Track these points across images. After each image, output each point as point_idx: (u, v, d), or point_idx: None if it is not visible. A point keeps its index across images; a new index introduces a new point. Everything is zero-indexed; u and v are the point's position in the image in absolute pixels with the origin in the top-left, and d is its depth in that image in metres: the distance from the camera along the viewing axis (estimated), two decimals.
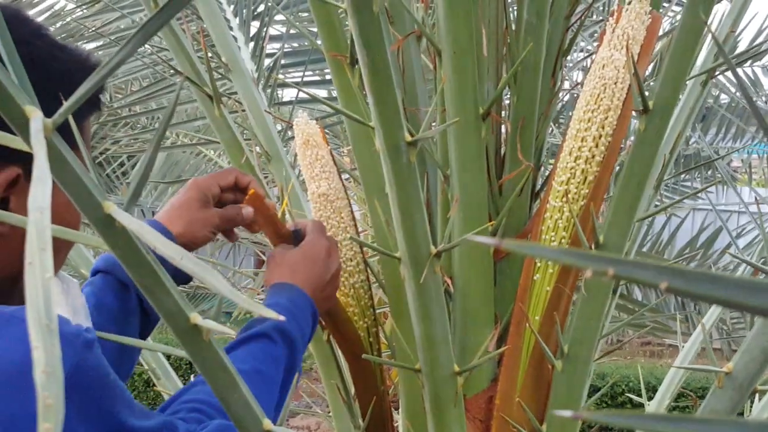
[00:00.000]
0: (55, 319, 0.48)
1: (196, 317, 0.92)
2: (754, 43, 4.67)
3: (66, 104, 0.78)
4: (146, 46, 3.72)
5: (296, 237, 1.46)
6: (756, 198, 2.54)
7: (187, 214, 1.43)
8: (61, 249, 1.15)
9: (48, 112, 0.69)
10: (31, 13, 4.81)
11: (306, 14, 2.92)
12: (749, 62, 5.46)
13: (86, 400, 1.00)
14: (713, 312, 2.36)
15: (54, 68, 1.06)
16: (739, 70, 5.30)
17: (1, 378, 0.96)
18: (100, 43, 3.95)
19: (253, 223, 1.48)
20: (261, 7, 2.70)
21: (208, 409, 1.17)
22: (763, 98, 6.13)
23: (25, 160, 1.04)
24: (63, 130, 0.75)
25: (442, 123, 1.41)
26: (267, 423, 1.05)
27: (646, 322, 3.50)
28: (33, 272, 0.51)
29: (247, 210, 1.46)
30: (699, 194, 4.33)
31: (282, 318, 1.07)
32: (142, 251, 0.85)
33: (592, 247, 1.42)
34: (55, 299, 0.48)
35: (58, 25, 5.04)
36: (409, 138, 1.22)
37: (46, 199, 0.57)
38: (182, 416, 1.15)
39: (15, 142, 0.73)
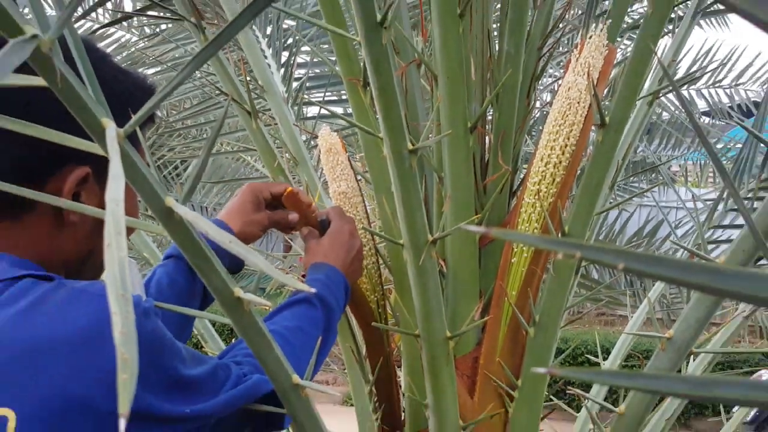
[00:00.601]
0: (130, 290, 0.48)
1: (238, 291, 0.92)
2: (690, 71, 4.69)
3: (135, 117, 0.78)
4: (197, 71, 3.72)
5: (323, 225, 1.47)
6: (692, 196, 2.55)
7: (244, 215, 1.44)
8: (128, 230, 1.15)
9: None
10: (101, 44, 4.80)
11: (326, 45, 2.92)
12: (686, 86, 5.45)
13: (148, 359, 1.00)
14: (656, 288, 2.37)
15: (117, 88, 1.05)
16: (670, 97, 5.30)
17: (75, 339, 0.96)
18: (159, 69, 3.95)
19: (294, 227, 1.50)
20: (290, 40, 2.70)
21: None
22: (698, 115, 6.12)
23: (93, 161, 1.04)
24: (131, 138, 0.75)
25: (438, 135, 1.41)
26: (295, 378, 1.05)
27: (602, 297, 3.50)
28: (111, 252, 0.51)
29: (293, 216, 1.47)
30: (645, 193, 4.31)
31: (313, 290, 1.07)
32: (195, 237, 0.85)
33: (560, 235, 1.42)
34: (131, 274, 0.48)
35: (123, 54, 5.03)
36: (410, 147, 1.22)
37: (120, 193, 0.57)
38: (239, 359, 1.16)
39: (93, 147, 0.73)
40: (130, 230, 1.21)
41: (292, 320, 1.25)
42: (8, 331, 0.96)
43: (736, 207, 2.29)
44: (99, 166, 1.05)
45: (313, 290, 1.08)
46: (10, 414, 0.94)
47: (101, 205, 1.08)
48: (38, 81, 0.70)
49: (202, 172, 0.85)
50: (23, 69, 0.68)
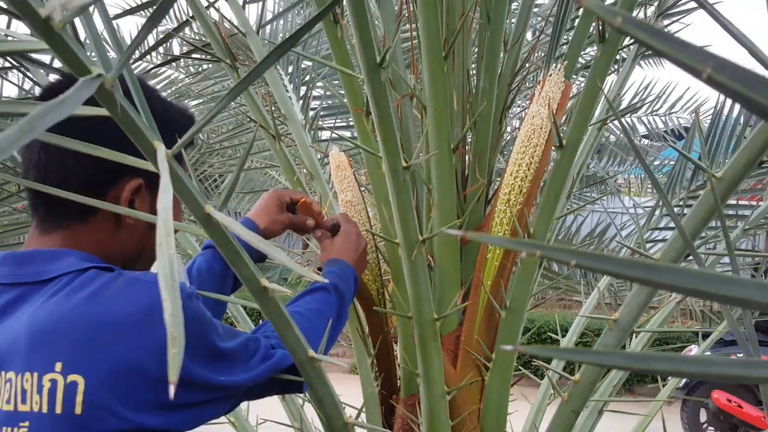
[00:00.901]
0: (178, 280, 0.48)
1: (264, 281, 0.93)
2: (632, 102, 4.71)
3: (180, 141, 0.78)
4: (231, 102, 3.73)
5: (334, 228, 1.47)
6: (634, 204, 2.55)
7: (268, 215, 1.46)
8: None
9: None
10: (153, 81, 4.80)
11: (336, 82, 2.92)
12: (629, 114, 5.46)
13: (192, 335, 1.00)
14: (605, 279, 2.36)
15: (165, 117, 1.06)
16: (617, 123, 5.30)
17: (132, 318, 0.96)
18: (200, 101, 3.96)
19: (308, 231, 1.50)
20: (307, 78, 2.70)
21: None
22: (638, 138, 6.13)
23: (145, 174, 1.05)
24: (177, 158, 0.75)
25: (426, 154, 1.41)
26: (311, 352, 1.05)
27: (561, 285, 3.51)
28: (162, 250, 0.51)
29: (310, 221, 1.48)
30: (595, 202, 4.32)
31: (325, 280, 1.06)
32: (229, 237, 0.85)
33: (526, 236, 1.42)
34: (178, 266, 0.48)
35: (172, 88, 5.03)
36: (404, 164, 1.22)
37: (169, 202, 0.57)
38: (268, 334, 1.16)
39: (146, 164, 0.73)
40: (175, 231, 1.21)
41: (312, 303, 1.27)
42: (77, 312, 0.96)
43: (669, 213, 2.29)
44: (150, 178, 1.06)
45: (325, 280, 1.08)
46: (79, 380, 0.94)
47: (152, 211, 1.09)
48: (103, 111, 0.70)
49: (236, 184, 0.85)
50: (90, 101, 0.69)
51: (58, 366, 0.94)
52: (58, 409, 0.94)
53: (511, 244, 0.39)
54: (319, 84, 2.92)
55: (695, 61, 0.28)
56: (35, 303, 0.99)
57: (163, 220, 0.55)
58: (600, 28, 1.37)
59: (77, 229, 1.06)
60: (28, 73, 1.84)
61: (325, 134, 3.06)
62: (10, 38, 0.82)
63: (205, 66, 3.76)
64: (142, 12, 1.93)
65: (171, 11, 4.90)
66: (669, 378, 2.48)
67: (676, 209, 2.19)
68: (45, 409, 0.94)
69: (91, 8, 0.79)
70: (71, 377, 0.94)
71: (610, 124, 5.43)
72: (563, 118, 1.46)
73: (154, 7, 0.66)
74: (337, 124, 3.08)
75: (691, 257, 1.66)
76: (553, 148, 1.42)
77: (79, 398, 0.93)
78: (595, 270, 0.37)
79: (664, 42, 0.28)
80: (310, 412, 1.64)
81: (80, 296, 0.97)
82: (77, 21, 0.75)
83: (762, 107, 0.29)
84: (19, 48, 0.74)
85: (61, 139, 0.66)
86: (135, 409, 0.96)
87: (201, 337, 1.02)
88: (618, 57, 2.28)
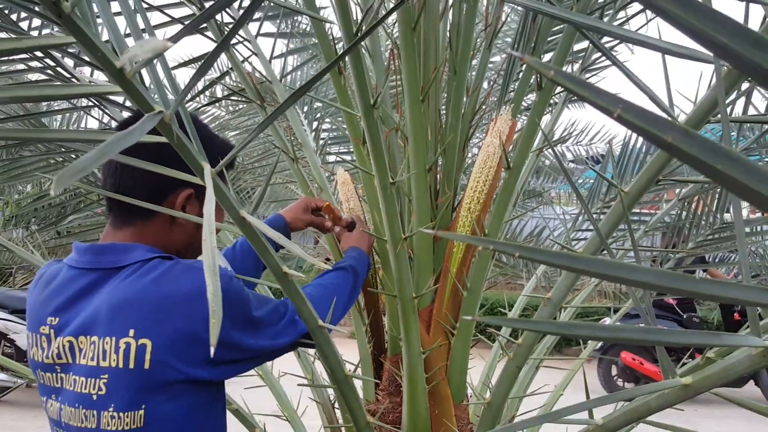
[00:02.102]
0: (218, 268, 0.48)
1: (285, 268, 0.92)
2: (562, 135, 4.75)
3: (221, 162, 0.78)
4: (260, 133, 3.74)
5: (350, 225, 1.46)
6: (563, 212, 2.56)
7: (294, 214, 1.45)
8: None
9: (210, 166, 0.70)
10: (201, 117, 4.80)
11: (341, 118, 2.93)
12: (559, 144, 5.49)
13: (231, 308, 1.00)
14: (541, 268, 2.36)
15: (210, 144, 1.06)
16: (550, 150, 5.31)
17: (189, 295, 0.96)
18: (237, 132, 3.95)
19: (327, 230, 1.49)
20: (318, 115, 2.70)
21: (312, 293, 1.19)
22: (567, 162, 6.15)
23: (195, 186, 1.05)
24: (219, 174, 0.75)
25: (408, 173, 1.41)
26: (320, 321, 1.05)
27: (508, 272, 3.51)
28: (206, 244, 0.51)
29: (328, 223, 1.47)
30: (534, 209, 4.33)
31: (327, 266, 1.05)
32: (258, 234, 0.85)
33: (482, 235, 1.42)
34: (218, 257, 0.48)
35: (216, 123, 5.03)
36: (391, 180, 1.22)
37: (212, 208, 0.57)
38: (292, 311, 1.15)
39: (195, 179, 0.73)
40: (217, 230, 1.21)
41: (335, 279, 1.25)
42: (146, 291, 0.97)
43: (589, 218, 2.29)
44: (198, 189, 1.06)
45: (327, 266, 1.08)
46: (148, 342, 0.94)
47: (200, 214, 1.08)
48: (163, 139, 0.70)
49: (263, 195, 0.85)
50: (155, 131, 0.68)
51: (131, 332, 0.95)
52: (131, 365, 0.95)
53: (470, 240, 0.39)
54: (328, 120, 2.92)
55: (608, 104, 0.28)
56: (113, 284, 0.99)
57: (207, 221, 0.55)
58: (538, 79, 1.37)
59: (142, 226, 1.06)
60: (106, 110, 1.83)
61: (331, 158, 3.05)
62: (93, 84, 0.82)
63: (240, 106, 3.75)
64: (193, 64, 1.92)
65: (215, 63, 4.90)
66: (588, 342, 2.49)
67: (594, 216, 2.20)
68: (121, 365, 0.95)
69: (154, 61, 0.79)
70: (142, 341, 0.94)
71: (546, 152, 5.45)
72: (510, 146, 1.46)
73: (202, 61, 0.66)
74: (341, 151, 3.08)
75: (605, 251, 1.66)
76: (503, 169, 1.42)
77: (148, 356, 0.94)
78: (533, 260, 0.37)
79: (585, 90, 0.28)
80: (319, 367, 1.64)
81: (148, 279, 0.98)
82: (144, 70, 0.75)
83: (658, 138, 0.29)
84: (99, 91, 0.73)
85: (131, 159, 0.65)
86: (189, 365, 0.97)
87: (240, 309, 1.02)
88: (552, 101, 2.29)
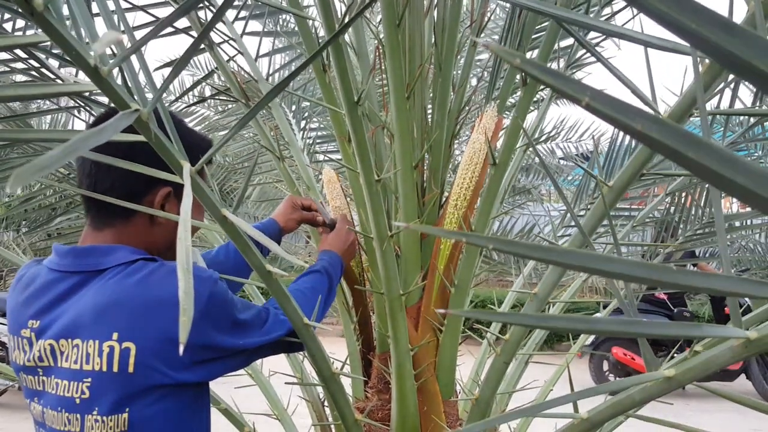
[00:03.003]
0: (192, 266, 0.47)
1: (269, 266, 0.92)
2: (550, 133, 4.77)
3: (201, 159, 0.77)
4: (249, 134, 3.73)
5: (331, 226, 1.46)
6: (547, 209, 2.56)
7: (285, 215, 1.45)
8: (193, 231, 1.16)
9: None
10: (190, 118, 4.77)
11: (329, 118, 2.93)
12: (549, 141, 5.51)
13: (216, 312, 0.99)
14: (529, 265, 2.36)
15: (188, 140, 1.04)
16: (539, 147, 5.33)
17: (173, 298, 0.95)
18: (225, 131, 3.94)
19: (319, 224, 1.50)
20: (306, 114, 2.69)
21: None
22: (557, 159, 6.17)
23: (173, 184, 1.03)
24: (199, 172, 0.74)
25: (395, 170, 1.40)
26: (305, 319, 1.04)
27: (497, 269, 3.51)
28: (181, 242, 0.50)
29: (320, 218, 1.48)
30: (524, 207, 4.34)
31: (303, 263, 1.05)
32: (240, 233, 0.84)
33: (469, 230, 1.42)
34: (191, 256, 0.47)
35: (205, 123, 5.00)
36: (376, 178, 1.21)
37: (188, 206, 0.56)
38: (276, 306, 1.14)
39: (174, 177, 0.72)
40: (196, 228, 1.20)
41: (308, 282, 1.25)
42: (130, 294, 0.95)
43: (579, 214, 2.29)
44: (177, 187, 1.04)
45: (304, 263, 1.08)
46: (132, 346, 0.93)
47: (179, 213, 1.07)
48: (140, 137, 0.69)
49: (244, 193, 0.85)
50: (132, 128, 0.67)
51: (115, 335, 0.94)
52: (115, 368, 0.93)
53: (450, 236, 0.39)
54: (316, 119, 2.91)
55: (576, 92, 0.28)
56: (95, 287, 0.98)
57: (183, 219, 0.54)
58: (523, 75, 1.37)
59: (122, 227, 1.05)
60: (92, 111, 1.81)
61: (320, 157, 3.05)
62: (69, 83, 0.80)
63: (229, 106, 3.73)
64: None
65: (201, 63, 4.87)
66: (578, 337, 2.49)
67: (582, 212, 2.20)
68: (105, 369, 0.94)
69: (136, 63, 0.78)
70: (125, 344, 0.93)
71: (534, 149, 5.45)
72: (496, 143, 1.46)
73: (180, 56, 0.65)
74: (329, 149, 3.07)
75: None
76: (489, 165, 1.42)
77: (132, 360, 0.93)
78: (506, 252, 0.37)
79: (552, 77, 0.27)
80: (309, 366, 1.63)
81: (132, 281, 0.96)
82: (138, 73, 0.74)
83: (627, 126, 0.29)
84: (75, 90, 0.72)
85: (103, 157, 0.64)
86: (174, 369, 0.96)
87: (226, 311, 1.01)
88: (538, 98, 2.29)
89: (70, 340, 0.97)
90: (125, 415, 0.94)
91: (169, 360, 0.95)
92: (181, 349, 0.37)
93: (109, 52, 0.99)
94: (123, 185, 1.02)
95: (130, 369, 0.93)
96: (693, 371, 0.63)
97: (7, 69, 1.69)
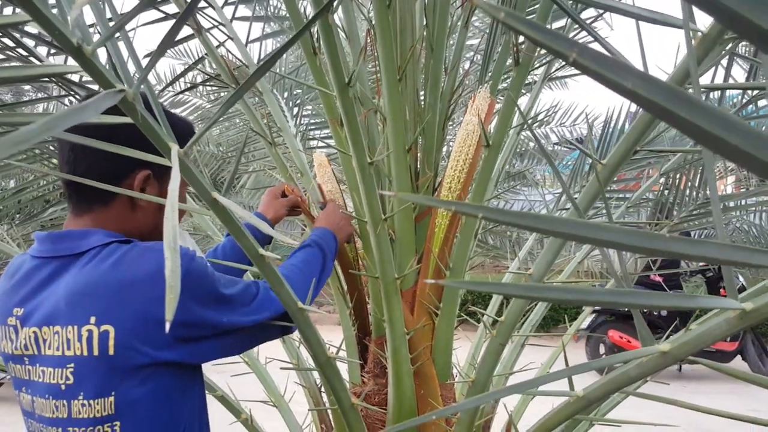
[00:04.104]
0: (178, 245, 0.46)
1: (261, 249, 0.91)
2: (544, 117, 4.76)
3: (190, 141, 0.76)
4: (242, 121, 3.71)
5: (322, 208, 1.47)
6: (541, 193, 2.56)
7: (270, 207, 1.47)
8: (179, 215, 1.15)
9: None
10: (181, 108, 4.74)
11: (321, 103, 2.91)
12: (543, 126, 5.51)
13: (195, 286, 0.98)
14: (525, 249, 2.36)
15: (176, 126, 1.04)
16: (535, 129, 5.31)
17: (147, 277, 0.95)
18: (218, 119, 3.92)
19: (304, 208, 1.50)
20: (299, 100, 2.67)
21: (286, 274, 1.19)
22: (552, 144, 6.16)
23: (152, 166, 1.03)
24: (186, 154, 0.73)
25: (387, 153, 1.39)
26: (300, 303, 1.03)
27: (495, 253, 3.51)
28: (168, 222, 0.49)
29: (304, 202, 1.51)
30: (519, 190, 4.34)
31: (289, 240, 1.03)
32: (231, 215, 0.83)
33: (461, 215, 1.41)
34: (179, 235, 0.46)
35: (198, 112, 4.97)
36: (369, 161, 1.20)
37: (176, 186, 0.55)
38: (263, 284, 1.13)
39: (164, 161, 0.71)
40: (182, 212, 1.20)
41: (300, 256, 1.24)
42: (104, 277, 0.95)
43: (573, 197, 2.28)
44: (157, 170, 1.04)
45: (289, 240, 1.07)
46: (110, 329, 0.93)
47: (160, 195, 1.07)
48: (127, 120, 0.68)
49: (233, 177, 0.84)
50: (117, 109, 0.66)
51: (93, 319, 0.94)
52: (96, 352, 0.93)
53: (450, 206, 0.38)
54: (310, 105, 2.89)
55: (564, 48, 0.27)
56: (72, 272, 0.98)
57: (170, 199, 0.53)
58: (515, 55, 1.36)
59: (102, 211, 1.04)
60: (78, 98, 1.80)
61: (314, 142, 3.03)
62: (51, 64, 0.79)
63: (222, 93, 3.70)
64: (170, 50, 1.89)
65: (192, 51, 4.83)
66: (575, 320, 2.50)
67: (577, 195, 2.19)
68: (86, 353, 0.94)
69: (123, 45, 0.76)
70: (104, 327, 0.93)
71: (530, 133, 5.44)
72: (489, 124, 1.45)
73: (165, 34, 0.63)
74: (322, 135, 3.05)
75: None
76: (482, 147, 1.41)
77: (111, 342, 0.93)
78: (496, 221, 0.36)
79: (539, 32, 0.27)
80: (305, 352, 1.62)
81: (106, 264, 0.96)
82: (126, 55, 0.72)
83: (617, 84, 0.28)
84: (59, 71, 0.71)
85: (83, 139, 0.63)
86: (154, 347, 0.95)
87: (205, 286, 1.00)
88: (530, 80, 2.28)
89: (51, 327, 0.97)
90: (111, 398, 0.94)
91: (149, 339, 0.95)
92: (167, 326, 0.36)
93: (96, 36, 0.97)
94: (100, 171, 1.01)
95: (111, 351, 0.93)
96: (688, 345, 0.62)
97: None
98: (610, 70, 0.27)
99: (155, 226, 1.09)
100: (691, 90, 0.60)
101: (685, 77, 0.84)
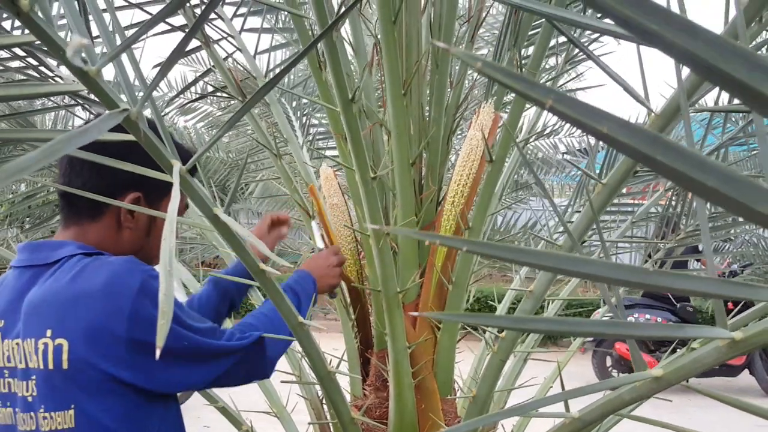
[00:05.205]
0: (174, 266, 0.47)
1: (261, 265, 0.92)
2: (554, 126, 4.75)
3: (193, 158, 0.77)
4: (251, 130, 3.73)
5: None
6: (543, 204, 2.55)
7: (267, 238, 1.45)
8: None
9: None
10: (191, 115, 4.77)
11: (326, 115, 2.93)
12: (552, 135, 5.52)
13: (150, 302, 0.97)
14: None
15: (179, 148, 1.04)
16: (542, 142, 5.31)
17: (99, 290, 0.95)
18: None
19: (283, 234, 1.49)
20: (306, 111, 2.69)
21: (253, 322, 1.15)
22: (561, 155, 6.16)
23: (144, 188, 1.05)
24: (190, 173, 0.75)
25: (390, 167, 1.40)
26: (300, 318, 1.04)
27: (500, 264, 3.50)
28: (165, 243, 0.50)
29: (284, 231, 1.48)
30: (527, 200, 4.34)
31: (291, 266, 1.02)
32: (232, 231, 0.84)
33: (467, 229, 1.41)
34: (174, 257, 0.47)
35: (208, 120, 5.01)
36: (372, 175, 1.21)
37: (176, 206, 0.56)
38: (233, 329, 1.11)
39: (166, 177, 0.72)
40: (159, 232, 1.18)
41: (270, 303, 1.17)
42: (60, 290, 0.97)
43: (578, 210, 2.28)
44: (148, 192, 1.05)
45: (290, 265, 1.04)
46: (64, 342, 0.94)
47: (149, 220, 1.08)
48: (129, 137, 0.69)
49: (237, 188, 0.84)
50: (120, 128, 0.67)
51: (49, 332, 0.95)
52: (51, 366, 0.94)
53: (446, 242, 0.38)
54: (318, 116, 2.91)
55: (540, 95, 0.28)
56: (37, 284, 1.00)
57: (169, 218, 0.54)
58: (519, 70, 1.37)
59: (87, 226, 1.06)
60: (91, 110, 1.82)
61: (317, 153, 3.06)
62: (59, 83, 0.80)
63: (232, 102, 3.73)
64: (178, 62, 1.91)
65: (204, 60, 4.87)
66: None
67: (581, 208, 2.19)
68: (42, 366, 0.95)
69: (127, 62, 0.78)
70: (58, 341, 0.94)
71: (537, 143, 5.44)
72: (493, 140, 1.46)
73: (171, 52, 0.65)
74: (328, 146, 3.07)
75: (585, 243, 1.66)
76: (486, 162, 1.41)
77: (65, 356, 0.94)
78: (480, 253, 0.37)
79: (515, 81, 0.27)
80: (307, 365, 1.63)
81: (67, 277, 0.97)
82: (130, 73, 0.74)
83: (593, 129, 0.29)
84: (65, 90, 0.72)
85: (82, 153, 0.64)
86: (107, 361, 0.95)
87: (179, 317, 1.00)
88: None
89: (15, 339, 0.99)
90: (71, 411, 0.95)
91: (101, 352, 0.94)
92: (158, 353, 0.37)
93: (102, 51, 0.99)
94: (93, 186, 1.02)
95: (65, 365, 0.94)
96: (681, 371, 0.63)
97: (5, 68, 1.69)
98: (586, 116, 0.28)
99: (140, 247, 1.09)
100: (698, 108, 0.61)
101: (685, 99, 0.85)
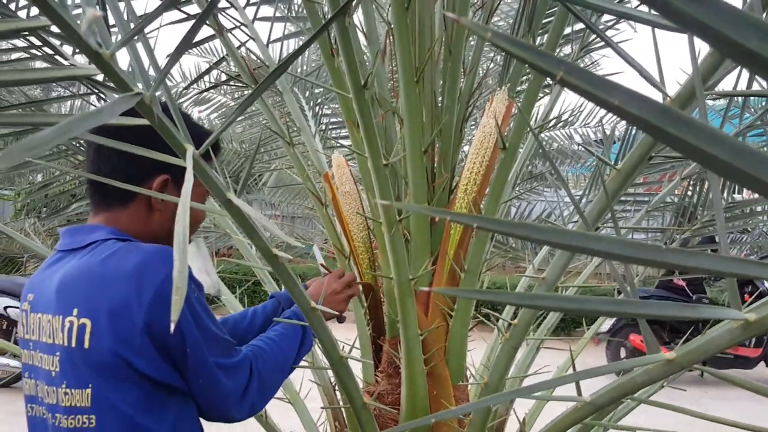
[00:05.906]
0: (187, 245, 0.48)
1: (274, 249, 0.92)
2: (569, 117, 4.73)
3: (206, 143, 0.78)
4: (264, 119, 3.74)
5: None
6: (556, 194, 2.54)
7: (325, 295, 1.37)
8: (197, 220, 1.16)
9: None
10: (205, 106, 4.79)
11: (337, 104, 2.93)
12: (569, 127, 5.48)
13: (192, 303, 1.00)
14: (541, 253, 2.35)
15: (193, 130, 1.04)
16: (557, 132, 5.28)
17: (129, 273, 0.97)
18: (242, 117, 3.95)
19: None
20: (319, 100, 2.69)
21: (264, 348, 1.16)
22: (575, 145, 6.12)
23: (172, 171, 1.06)
24: (205, 158, 0.75)
25: (403, 155, 1.40)
26: (312, 303, 1.04)
27: (512, 254, 3.49)
28: (179, 223, 0.51)
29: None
30: (542, 190, 4.32)
31: (301, 245, 1.02)
32: (245, 216, 0.84)
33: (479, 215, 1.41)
34: (188, 237, 0.48)
35: (222, 110, 5.02)
36: (384, 162, 1.21)
37: (189, 188, 0.57)
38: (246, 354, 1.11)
39: (180, 162, 0.72)
40: (200, 218, 1.18)
41: (279, 329, 1.23)
42: (91, 270, 0.99)
43: (590, 199, 2.27)
44: (176, 175, 1.06)
45: (301, 245, 1.06)
46: (88, 323, 0.96)
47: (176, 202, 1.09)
48: (144, 121, 0.69)
49: (249, 175, 0.85)
50: (134, 112, 0.68)
51: (75, 311, 0.97)
52: (74, 344, 0.97)
53: (457, 219, 0.39)
54: (332, 104, 2.91)
55: (550, 66, 0.28)
56: (71, 263, 1.02)
57: (183, 200, 0.54)
58: None
59: (118, 211, 1.07)
60: (106, 98, 1.83)
61: (333, 142, 3.06)
62: (72, 66, 0.81)
63: (245, 92, 3.74)
64: (191, 50, 1.92)
65: (217, 49, 4.88)
66: (594, 323, 2.48)
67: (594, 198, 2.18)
68: (66, 343, 0.97)
69: (142, 50, 0.78)
70: (83, 320, 0.96)
71: (553, 134, 5.40)
72: (507, 127, 1.45)
73: (182, 37, 0.65)
74: (341, 134, 3.07)
75: (598, 229, 1.65)
76: (499, 149, 1.41)
77: (87, 336, 0.96)
78: (492, 230, 0.37)
79: (526, 52, 0.27)
80: (319, 351, 1.64)
81: (97, 259, 0.99)
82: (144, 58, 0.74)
83: (604, 101, 0.29)
84: (79, 74, 0.73)
85: (101, 138, 0.65)
86: (126, 349, 0.96)
87: (201, 311, 1.01)
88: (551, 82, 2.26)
89: (45, 314, 1.01)
90: (88, 390, 0.97)
91: (119, 336, 0.95)
92: (172, 327, 0.37)
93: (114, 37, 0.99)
94: (122, 173, 1.04)
95: (86, 345, 0.96)
96: (694, 353, 0.62)
97: (23, 58, 1.71)
98: (596, 87, 0.28)
99: (169, 230, 1.11)
100: (717, 93, 0.61)
101: (702, 83, 0.84)
